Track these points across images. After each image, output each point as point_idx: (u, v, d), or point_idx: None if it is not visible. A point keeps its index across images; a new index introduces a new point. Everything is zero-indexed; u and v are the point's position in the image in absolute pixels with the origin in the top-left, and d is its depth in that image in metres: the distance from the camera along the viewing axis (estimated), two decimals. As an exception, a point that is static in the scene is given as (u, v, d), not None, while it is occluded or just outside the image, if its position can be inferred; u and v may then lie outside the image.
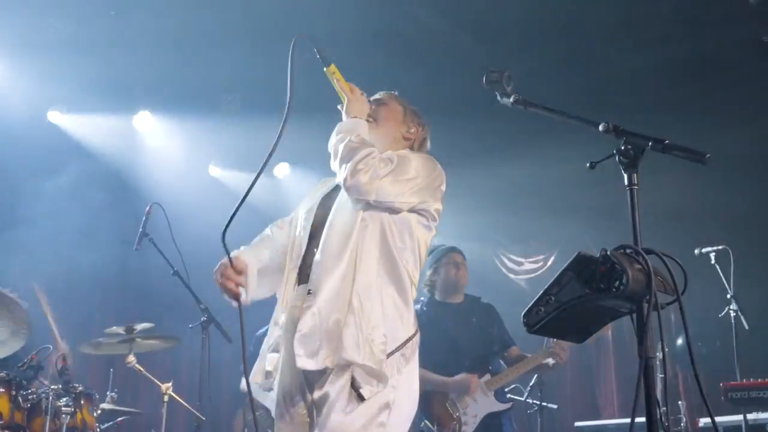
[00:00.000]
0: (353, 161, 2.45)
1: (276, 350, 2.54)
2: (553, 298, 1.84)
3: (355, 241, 2.48)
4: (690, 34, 5.65)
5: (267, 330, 5.80)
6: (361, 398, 2.34)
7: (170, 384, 3.97)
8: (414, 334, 2.50)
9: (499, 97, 2.13)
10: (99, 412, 4.06)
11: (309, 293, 2.45)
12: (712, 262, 4.97)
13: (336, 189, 2.67)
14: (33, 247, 5.33)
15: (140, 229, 4.31)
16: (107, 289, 5.71)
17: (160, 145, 6.45)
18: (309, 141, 6.82)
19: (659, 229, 7.07)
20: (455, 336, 4.54)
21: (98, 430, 3.98)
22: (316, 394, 2.41)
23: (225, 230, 2.41)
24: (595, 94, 6.04)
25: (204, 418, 3.98)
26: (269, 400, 2.56)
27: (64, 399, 3.81)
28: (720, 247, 4.95)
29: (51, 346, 3.94)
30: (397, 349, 2.43)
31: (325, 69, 2.63)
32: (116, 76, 5.96)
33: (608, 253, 1.79)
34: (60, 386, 3.86)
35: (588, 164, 1.92)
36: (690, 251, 5.25)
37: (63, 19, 5.66)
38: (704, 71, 6.02)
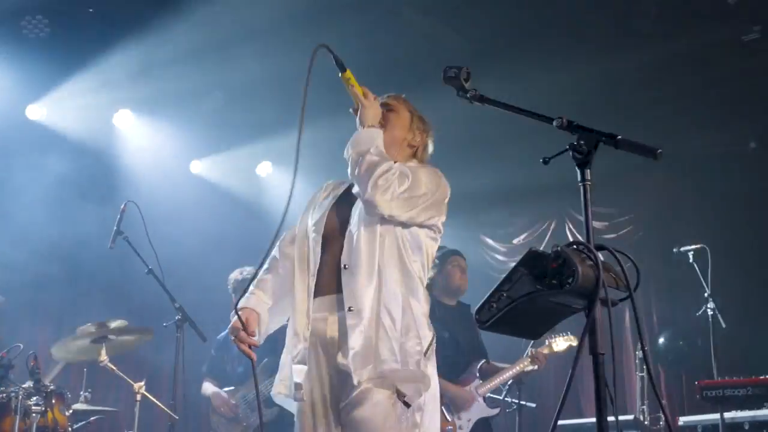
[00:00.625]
0: (374, 177, 2.48)
1: (303, 362, 2.58)
2: (505, 295, 1.83)
3: (378, 254, 2.54)
4: (671, 34, 5.66)
5: (226, 334, 5.77)
6: (407, 405, 2.43)
7: (143, 383, 3.94)
8: (433, 338, 2.60)
9: (456, 93, 2.13)
10: (70, 411, 4.02)
11: (350, 310, 2.48)
12: (690, 260, 5.02)
13: (346, 198, 2.71)
14: (6, 242, 5.30)
15: (115, 228, 4.28)
16: (81, 287, 5.68)
17: (140, 143, 6.42)
18: (291, 139, 6.87)
19: (638, 228, 7.15)
20: (456, 336, 4.58)
21: (70, 429, 3.94)
22: (353, 406, 2.47)
23: (237, 304, 2.59)
24: (577, 93, 6.04)
25: (177, 417, 3.95)
26: (294, 408, 2.68)
27: (35, 398, 3.77)
28: (698, 246, 4.99)
29: (21, 345, 3.90)
30: (426, 350, 2.54)
31: (340, 75, 2.63)
32: (97, 73, 5.93)
33: (559, 249, 1.78)
34: (31, 385, 3.83)
35: (541, 160, 1.91)
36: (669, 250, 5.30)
37: (43, 15, 5.64)
38: (685, 71, 6.03)
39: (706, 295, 4.94)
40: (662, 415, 5.33)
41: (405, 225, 2.58)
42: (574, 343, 5.01)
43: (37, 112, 6.05)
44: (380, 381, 2.44)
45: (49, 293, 5.64)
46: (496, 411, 4.73)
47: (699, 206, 6.70)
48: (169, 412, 3.99)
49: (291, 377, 2.60)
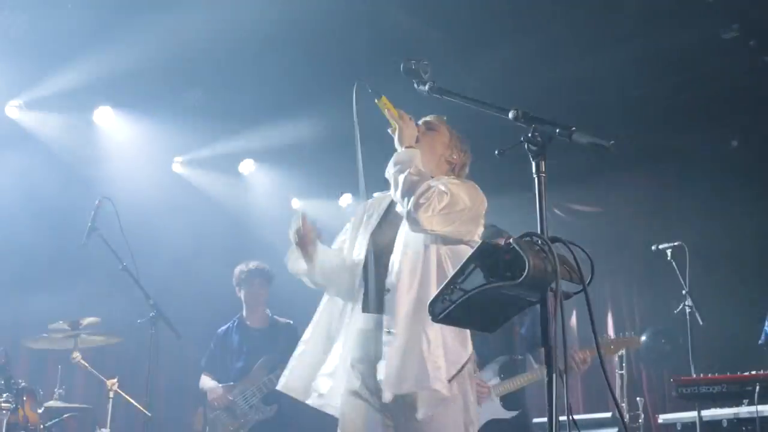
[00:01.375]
0: (415, 195, 2.65)
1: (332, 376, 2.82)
2: (457, 287, 1.82)
3: (421, 276, 2.73)
4: (650, 32, 5.65)
5: (227, 328, 5.69)
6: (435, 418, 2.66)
7: (116, 380, 3.92)
8: (470, 357, 2.79)
9: (415, 85, 2.12)
10: (42, 409, 3.98)
11: (389, 333, 2.68)
12: (668, 258, 5.03)
13: (389, 218, 2.93)
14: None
15: (89, 224, 4.26)
16: (55, 283, 5.64)
17: (120, 140, 6.38)
18: (275, 138, 6.85)
19: (620, 226, 7.16)
20: None
21: (41, 426, 3.91)
22: (400, 418, 2.74)
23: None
24: (557, 92, 6.03)
25: (150, 414, 3.93)
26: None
27: (5, 395, 3.75)
28: (676, 244, 5.01)
29: (-7, 342, 3.87)
30: (459, 372, 2.71)
31: (376, 101, 2.79)
32: (77, 70, 5.89)
33: (512, 241, 1.77)
34: (1, 382, 3.80)
35: (496, 152, 1.90)
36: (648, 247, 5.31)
37: (21, 12, 5.60)
38: (665, 70, 6.03)
39: (683, 292, 4.95)
40: (641, 413, 5.37)
41: (446, 241, 2.76)
42: (631, 345, 4.61)
43: (16, 109, 6.00)
44: (413, 397, 2.66)
45: (25, 289, 5.60)
46: (512, 414, 4.36)
47: (681, 204, 6.71)
48: (142, 409, 3.97)
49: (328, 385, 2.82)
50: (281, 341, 5.34)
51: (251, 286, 5.44)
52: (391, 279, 2.75)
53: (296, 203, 7.58)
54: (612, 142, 1.76)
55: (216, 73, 6.13)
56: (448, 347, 2.70)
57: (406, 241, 2.80)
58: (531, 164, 1.85)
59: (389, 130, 2.86)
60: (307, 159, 7.07)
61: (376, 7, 5.59)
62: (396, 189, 2.73)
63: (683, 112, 6.33)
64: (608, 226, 7.20)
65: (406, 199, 2.69)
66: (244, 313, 5.50)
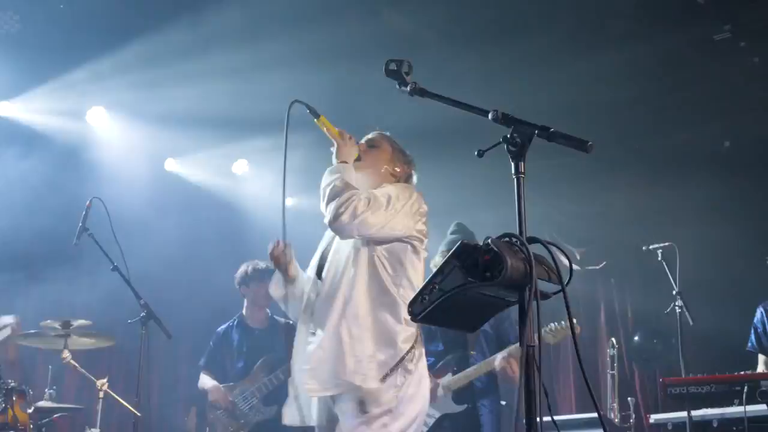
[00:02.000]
0: (336, 203, 2.75)
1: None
2: (437, 287, 1.82)
3: (348, 277, 2.80)
4: (643, 33, 5.67)
5: (227, 327, 5.69)
6: (365, 412, 2.72)
7: (105, 380, 3.91)
8: (411, 348, 2.80)
9: (398, 86, 2.13)
10: (31, 410, 3.98)
11: (313, 334, 2.80)
12: (659, 258, 5.04)
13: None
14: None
15: (80, 224, 4.25)
16: (46, 283, 5.65)
17: (113, 140, 6.38)
18: (267, 138, 6.84)
19: (613, 227, 7.17)
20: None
21: (31, 426, 3.91)
22: (339, 415, 2.81)
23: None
24: (550, 93, 6.04)
25: (139, 415, 3.93)
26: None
27: (-5, 395, 3.74)
28: (666, 244, 5.02)
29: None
30: (397, 365, 2.75)
31: (315, 120, 2.94)
32: (70, 70, 5.89)
33: (490, 241, 1.78)
34: (-10, 382, 3.79)
35: (476, 152, 1.91)
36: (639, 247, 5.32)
37: (14, 11, 5.60)
38: (658, 71, 6.05)
39: (674, 292, 4.96)
40: (632, 413, 5.37)
41: (379, 241, 2.81)
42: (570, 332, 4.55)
43: (8, 107, 6.00)
44: (349, 393, 2.71)
45: (16, 289, 5.61)
46: (460, 408, 4.51)
47: (672, 205, 6.72)
48: (132, 409, 3.96)
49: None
50: (282, 341, 5.34)
51: (260, 287, 5.31)
52: (322, 286, 2.84)
53: (289, 201, 7.59)
54: (590, 142, 1.77)
55: (210, 72, 6.13)
56: (381, 342, 2.75)
57: (336, 248, 2.90)
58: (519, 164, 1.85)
59: (332, 148, 2.97)
60: (301, 158, 7.05)
61: (369, 7, 5.61)
62: (322, 199, 2.83)
63: (676, 113, 6.34)
64: (600, 226, 7.22)
65: (327, 209, 2.79)
66: (245, 312, 5.44)
